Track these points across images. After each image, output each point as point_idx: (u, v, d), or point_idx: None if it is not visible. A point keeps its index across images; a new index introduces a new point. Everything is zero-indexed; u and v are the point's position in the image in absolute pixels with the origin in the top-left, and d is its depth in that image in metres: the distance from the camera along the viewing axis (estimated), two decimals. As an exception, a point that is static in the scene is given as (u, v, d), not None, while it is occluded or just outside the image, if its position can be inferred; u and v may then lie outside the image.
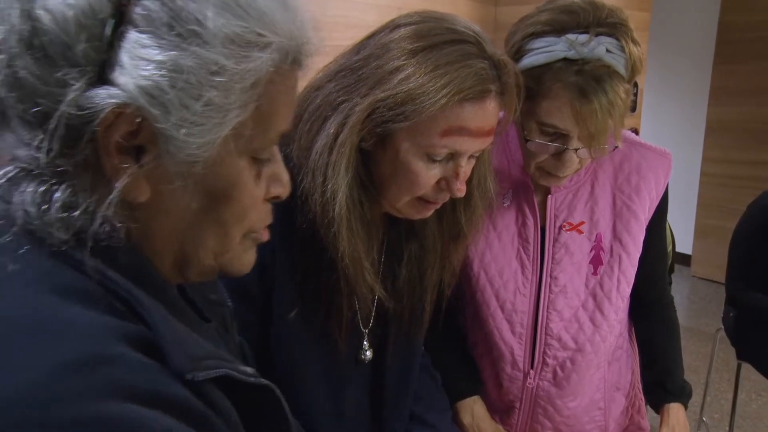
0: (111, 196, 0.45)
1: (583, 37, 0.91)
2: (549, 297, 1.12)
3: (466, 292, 1.16)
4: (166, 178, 0.47)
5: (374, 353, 0.95)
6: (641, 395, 1.29)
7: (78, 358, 0.39)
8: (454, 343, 1.20)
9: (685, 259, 4.89)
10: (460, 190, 0.80)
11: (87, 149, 0.44)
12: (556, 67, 0.92)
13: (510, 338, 1.14)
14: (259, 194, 0.53)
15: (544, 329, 1.13)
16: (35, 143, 0.44)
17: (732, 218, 2.28)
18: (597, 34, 0.91)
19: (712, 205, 4.70)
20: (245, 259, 0.56)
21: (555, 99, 0.93)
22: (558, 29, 0.93)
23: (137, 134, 0.45)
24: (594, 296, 1.12)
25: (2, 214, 0.46)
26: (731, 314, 2.31)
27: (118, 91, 0.43)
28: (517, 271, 1.12)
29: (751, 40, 4.31)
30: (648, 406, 1.24)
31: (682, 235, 4.32)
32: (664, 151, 1.15)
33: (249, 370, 0.51)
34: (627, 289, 1.12)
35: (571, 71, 0.91)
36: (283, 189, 0.55)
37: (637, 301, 1.20)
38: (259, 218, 0.55)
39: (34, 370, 0.38)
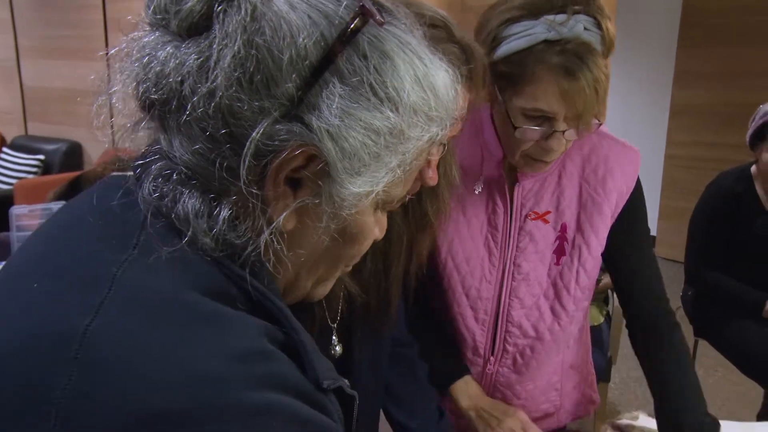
0: (274, 224, 0.49)
1: (561, 17, 0.91)
2: (511, 284, 1.13)
3: (435, 277, 1.17)
4: (315, 215, 0.50)
5: (345, 349, 0.96)
6: (593, 369, 1.32)
7: (244, 350, 0.43)
8: (437, 325, 1.20)
9: (650, 240, 4.97)
10: (433, 178, 0.80)
11: (257, 175, 0.47)
12: (537, 50, 0.92)
13: (473, 325, 1.16)
14: (372, 239, 0.58)
15: (505, 317, 1.15)
16: (211, 157, 0.47)
17: (696, 200, 2.33)
18: (574, 13, 0.91)
19: (677, 187, 4.78)
20: (326, 290, 0.61)
21: (540, 82, 0.92)
22: (534, 12, 0.92)
23: (303, 169, 0.48)
24: (555, 286, 1.13)
25: (155, 204, 0.48)
26: (689, 293, 2.37)
27: (308, 131, 0.46)
28: (484, 258, 1.13)
29: (716, 24, 4.38)
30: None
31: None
32: (632, 147, 1.14)
33: (347, 381, 0.54)
34: (587, 281, 1.12)
35: (553, 52, 0.91)
36: (381, 234, 0.59)
37: (638, 322, 1.15)
38: (358, 258, 0.60)
39: (206, 356, 0.41)
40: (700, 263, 2.28)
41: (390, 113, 0.48)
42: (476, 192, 1.12)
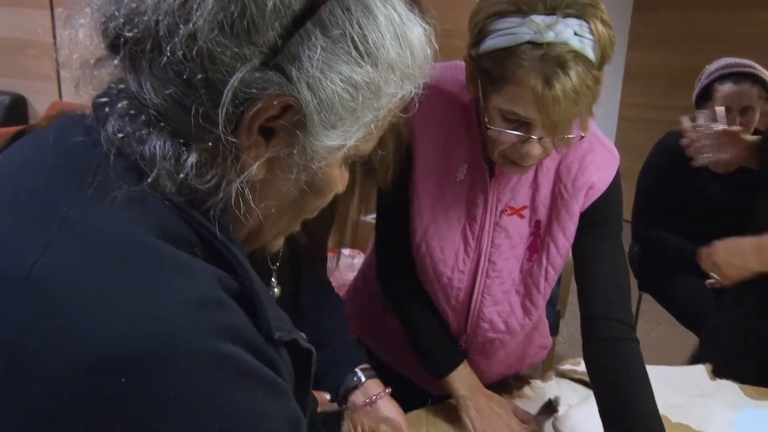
0: (245, 173, 0.48)
1: (549, 19, 0.83)
2: (485, 281, 1.12)
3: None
4: (286, 166, 0.50)
5: (285, 290, 0.97)
6: (546, 318, 1.36)
7: (200, 297, 0.43)
8: (429, 311, 1.19)
9: (602, 201, 5.10)
10: None
11: (232, 123, 0.46)
12: (519, 51, 0.85)
13: (445, 306, 1.17)
14: (337, 190, 0.57)
15: (476, 312, 1.15)
16: (186, 103, 0.45)
17: (649, 161, 2.39)
18: (564, 16, 0.84)
19: (630, 149, 4.84)
20: (281, 242, 0.62)
21: (517, 85, 0.86)
22: (523, 10, 0.85)
23: (278, 119, 0.48)
24: (525, 283, 1.13)
25: (118, 144, 0.47)
26: (635, 249, 2.46)
27: (287, 81, 0.46)
28: (459, 248, 1.11)
29: (670, -13, 4.44)
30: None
31: (600, 177, 4.48)
32: (613, 151, 1.09)
33: (303, 335, 0.54)
34: (554, 277, 1.11)
35: (535, 56, 0.84)
36: (343, 188, 0.59)
37: (592, 328, 1.07)
38: (317, 211, 0.59)
39: (161, 303, 0.41)
40: (646, 221, 2.36)
41: (369, 68, 0.48)
42: (458, 179, 1.08)
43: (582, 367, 1.32)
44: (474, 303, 1.14)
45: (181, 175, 0.47)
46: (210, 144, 0.47)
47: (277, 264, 0.96)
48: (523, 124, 0.91)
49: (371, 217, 3.99)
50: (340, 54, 0.47)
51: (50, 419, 0.39)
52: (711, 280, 2.23)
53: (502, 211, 1.09)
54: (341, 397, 1.08)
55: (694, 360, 2.19)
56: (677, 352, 2.97)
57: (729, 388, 1.30)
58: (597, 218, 1.07)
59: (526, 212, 1.09)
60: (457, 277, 1.12)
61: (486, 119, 0.93)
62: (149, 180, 0.46)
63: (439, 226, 1.10)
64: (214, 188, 0.48)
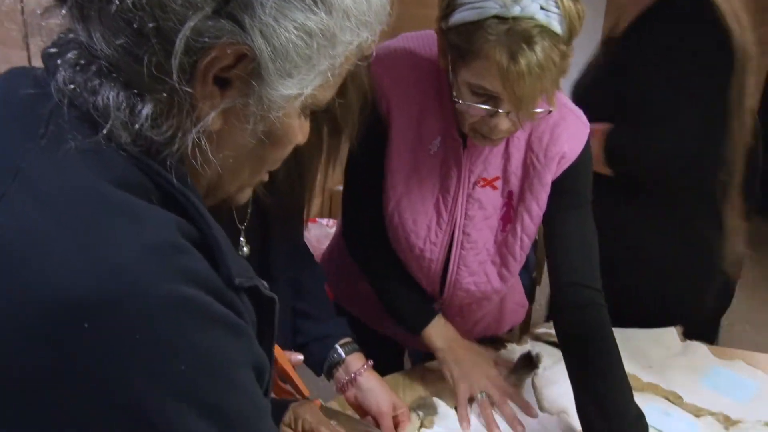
0: (201, 123, 0.47)
1: None
2: (460, 253, 1.13)
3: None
4: (243, 116, 0.50)
5: (255, 250, 0.97)
6: (521, 279, 1.36)
7: (157, 243, 0.42)
8: (401, 274, 1.19)
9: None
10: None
11: (186, 73, 0.46)
12: (485, 25, 0.85)
13: (419, 274, 1.18)
14: (295, 143, 0.57)
15: (452, 282, 1.16)
16: (138, 53, 0.45)
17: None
18: None
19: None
20: (247, 195, 0.61)
21: (484, 59, 0.87)
22: None
23: (233, 69, 0.47)
24: (500, 253, 1.13)
25: (70, 94, 0.46)
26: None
27: (240, 29, 0.45)
28: (432, 220, 1.12)
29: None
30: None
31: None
32: (584, 120, 1.09)
33: (265, 283, 0.54)
34: (529, 244, 1.12)
35: (500, 30, 0.84)
36: (303, 139, 0.58)
37: (561, 295, 1.08)
38: (279, 163, 0.59)
39: (120, 248, 0.41)
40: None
41: (323, 15, 0.48)
42: (432, 151, 1.08)
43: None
44: (450, 274, 1.15)
45: (136, 126, 0.46)
46: (164, 94, 0.46)
47: (245, 224, 0.96)
48: (491, 98, 0.91)
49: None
50: (293, 1, 0.46)
51: (15, 369, 0.39)
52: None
53: (474, 183, 1.09)
54: (326, 372, 1.10)
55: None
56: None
57: (698, 349, 1.33)
58: (567, 187, 1.08)
59: (499, 183, 1.10)
60: (429, 248, 1.13)
61: (455, 93, 0.94)
62: (104, 131, 0.46)
63: (413, 199, 1.11)
64: (170, 139, 0.48)
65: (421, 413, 1.10)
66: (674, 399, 1.17)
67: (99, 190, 0.43)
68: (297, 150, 0.92)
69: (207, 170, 0.52)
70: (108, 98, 0.46)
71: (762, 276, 3.63)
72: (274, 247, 1.01)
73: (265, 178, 0.60)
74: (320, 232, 3.27)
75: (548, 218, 1.10)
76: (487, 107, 0.92)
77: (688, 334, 1.38)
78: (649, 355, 1.27)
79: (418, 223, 1.12)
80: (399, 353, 1.46)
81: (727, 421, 1.11)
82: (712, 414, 1.13)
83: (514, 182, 1.09)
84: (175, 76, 0.45)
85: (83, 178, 0.44)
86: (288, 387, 1.03)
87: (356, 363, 1.08)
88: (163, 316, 0.41)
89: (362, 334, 1.16)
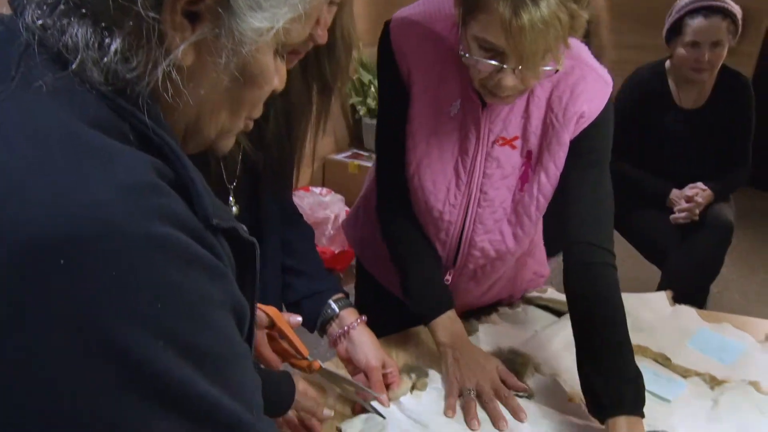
0: (171, 56, 0.47)
1: None
2: (477, 211, 1.13)
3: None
4: (215, 50, 0.49)
5: (245, 209, 0.98)
6: (543, 247, 1.37)
7: (132, 182, 0.42)
8: (422, 248, 1.19)
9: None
10: (322, 36, 0.79)
11: (153, 7, 0.45)
12: None
13: (435, 240, 1.18)
14: (272, 85, 0.56)
15: (468, 241, 1.16)
16: None
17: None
18: None
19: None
20: (231, 142, 0.60)
21: (490, 13, 0.87)
22: None
23: (201, 1, 0.46)
24: (516, 212, 1.13)
25: (39, 34, 0.45)
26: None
27: None
28: (451, 182, 1.12)
29: None
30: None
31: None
32: (606, 77, 1.07)
33: (244, 227, 0.54)
34: (545, 205, 1.11)
35: None
36: (281, 84, 0.58)
37: (573, 253, 1.06)
38: (259, 108, 0.59)
39: (95, 187, 0.40)
40: (614, 156, 2.38)
41: None
42: (452, 114, 1.08)
43: (548, 294, 1.36)
44: (466, 232, 1.15)
45: (106, 60, 0.46)
46: (131, 23, 0.46)
47: (234, 183, 0.96)
48: (497, 54, 0.91)
49: (342, 156, 3.99)
50: None
51: None
52: (675, 215, 2.30)
53: (493, 142, 1.09)
54: (319, 328, 1.11)
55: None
56: (641, 287, 3.07)
57: (687, 312, 1.35)
58: (584, 146, 1.06)
59: (518, 143, 1.09)
60: (448, 210, 1.14)
61: (463, 47, 0.94)
62: (73, 67, 0.45)
63: (432, 160, 1.11)
64: (142, 74, 0.47)
65: (413, 375, 1.11)
66: (663, 361, 1.19)
67: (72, 130, 0.43)
68: (286, 107, 0.93)
69: (182, 108, 0.51)
70: (77, 35, 0.45)
71: (751, 246, 3.67)
72: (263, 207, 1.01)
73: (249, 126, 0.60)
74: (313, 201, 3.27)
75: (564, 176, 1.09)
76: (494, 63, 0.92)
77: (678, 299, 1.40)
78: (640, 318, 1.28)
79: (437, 184, 1.12)
80: (416, 321, 1.46)
81: (714, 381, 1.13)
82: (699, 374, 1.15)
83: (534, 142, 1.08)
84: (140, 3, 0.44)
85: (55, 118, 0.43)
86: (287, 347, 1.04)
87: (350, 317, 1.09)
88: (140, 254, 0.41)
89: (382, 299, 1.15)
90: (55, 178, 0.40)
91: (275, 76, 0.56)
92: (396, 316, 1.25)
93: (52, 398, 0.39)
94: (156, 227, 0.42)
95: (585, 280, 1.04)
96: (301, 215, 1.17)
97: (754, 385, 1.10)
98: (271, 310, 1.01)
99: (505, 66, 0.91)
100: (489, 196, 1.11)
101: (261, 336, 1.01)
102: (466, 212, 1.13)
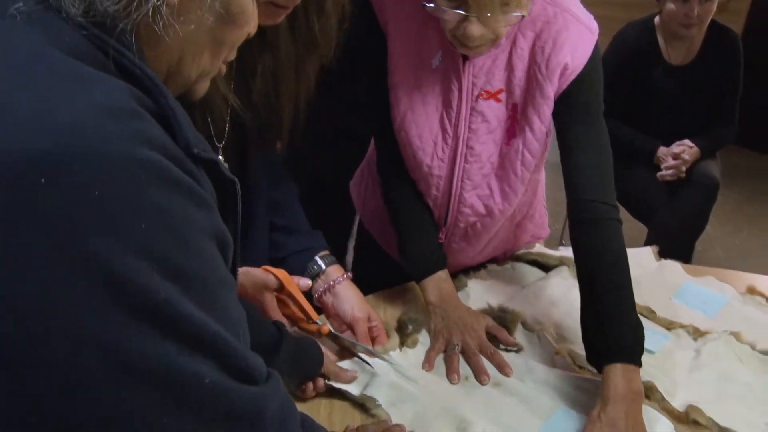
0: None
1: None
2: (464, 167, 1.13)
3: None
4: None
5: (234, 168, 0.97)
6: (545, 210, 1.38)
7: (113, 106, 0.42)
8: (417, 206, 1.19)
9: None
10: None
11: None
12: None
13: (427, 196, 1.18)
14: (250, 27, 0.57)
15: (457, 198, 1.16)
16: None
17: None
18: None
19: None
20: (206, 86, 0.61)
21: None
22: None
23: None
24: (504, 167, 1.12)
25: None
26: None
27: None
28: (437, 136, 1.11)
29: None
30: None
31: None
32: (591, 26, 1.04)
33: (226, 164, 0.54)
34: (532, 161, 1.11)
35: None
36: (254, 28, 0.58)
37: (577, 211, 1.06)
38: (234, 51, 0.59)
39: (75, 110, 0.41)
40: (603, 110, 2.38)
41: None
42: (434, 66, 1.07)
43: (536, 248, 1.38)
44: (454, 189, 1.15)
45: None
46: None
47: (224, 142, 0.96)
48: (462, 3, 0.91)
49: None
50: None
51: None
52: (662, 173, 2.31)
53: (477, 96, 1.08)
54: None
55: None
56: (629, 244, 3.10)
57: (672, 267, 1.37)
58: (574, 100, 1.05)
59: (503, 96, 1.08)
60: (437, 165, 1.14)
61: None
62: None
63: (417, 114, 1.11)
64: (125, 9, 0.47)
65: (410, 327, 1.13)
66: (648, 314, 1.21)
67: (51, 55, 0.43)
68: (274, 64, 0.92)
69: (166, 47, 0.51)
70: None
71: (736, 204, 3.71)
72: (252, 166, 1.01)
73: (223, 70, 0.60)
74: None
75: (560, 133, 1.08)
76: (457, 12, 0.91)
77: (664, 254, 1.42)
78: (625, 273, 1.30)
79: (424, 139, 1.12)
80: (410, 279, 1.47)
81: (697, 333, 1.16)
82: (682, 326, 1.18)
83: (518, 94, 1.07)
84: None
85: (34, 44, 0.43)
86: (297, 311, 1.05)
87: (335, 273, 1.11)
88: (122, 174, 0.41)
89: (380, 259, 1.17)
90: (35, 99, 0.40)
91: (252, 19, 0.56)
92: (393, 277, 1.26)
93: (40, 316, 0.40)
94: (137, 150, 0.42)
95: (591, 235, 1.05)
96: (285, 172, 1.17)
97: (735, 335, 1.13)
98: (281, 273, 1.02)
99: (467, 14, 0.91)
100: (475, 151, 1.11)
101: (270, 299, 1.02)
102: (454, 167, 1.14)
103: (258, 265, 1.05)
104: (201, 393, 0.45)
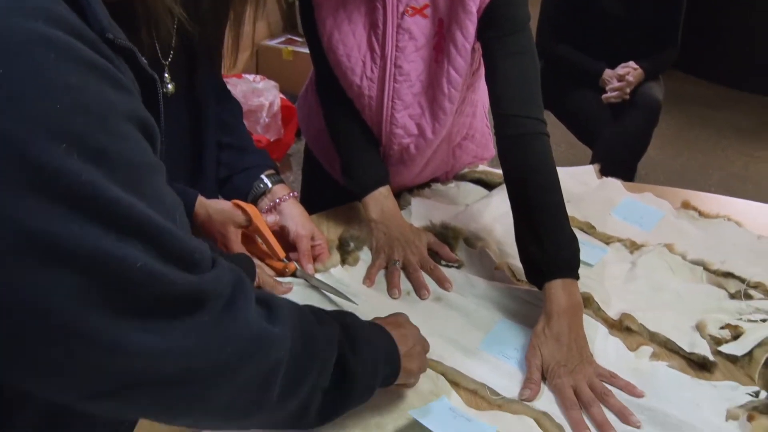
0: None
1: None
2: (394, 86, 1.11)
3: None
4: None
5: (182, 87, 0.94)
6: (487, 128, 1.37)
7: None
8: (356, 124, 1.17)
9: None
10: None
11: None
12: None
13: (364, 117, 1.16)
14: None
15: (389, 119, 1.14)
16: None
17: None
18: None
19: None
20: None
21: None
22: None
23: None
24: (433, 86, 1.11)
25: None
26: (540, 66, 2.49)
27: None
28: (366, 56, 1.09)
29: None
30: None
31: None
32: None
33: (144, 60, 0.50)
34: (458, 79, 1.09)
35: None
36: None
37: (503, 126, 1.03)
38: None
39: None
40: (550, 37, 2.37)
41: None
42: None
43: (480, 167, 1.38)
44: (386, 109, 1.14)
45: None
46: None
47: (170, 59, 0.92)
48: None
49: (276, 42, 3.83)
50: None
51: None
52: (607, 95, 2.33)
53: (403, 12, 1.05)
54: (251, 202, 1.09)
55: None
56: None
57: (613, 184, 1.39)
58: (498, 14, 1.02)
59: (429, 11, 1.06)
60: (367, 84, 1.12)
61: None
62: None
63: (343, 34, 1.08)
64: None
65: (347, 248, 1.12)
66: (587, 229, 1.24)
67: None
68: None
69: None
70: None
71: (677, 129, 3.80)
72: (199, 83, 0.98)
73: None
74: (246, 88, 3.15)
75: (485, 49, 1.05)
76: None
77: (606, 173, 1.44)
78: (568, 190, 1.29)
79: (352, 59, 1.09)
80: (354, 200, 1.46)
81: (633, 246, 1.19)
82: (620, 240, 1.21)
83: (443, 9, 1.05)
84: None
85: None
86: (264, 248, 1.04)
87: (281, 191, 1.09)
88: (27, 51, 0.38)
89: (324, 182, 1.15)
90: None
91: None
92: (339, 199, 1.26)
93: None
94: (43, 27, 0.39)
95: (518, 150, 1.03)
96: (229, 91, 1.13)
97: (669, 247, 1.17)
98: (251, 208, 1.01)
99: None
100: (404, 70, 1.09)
101: (234, 233, 1.00)
102: (384, 87, 1.12)
103: (211, 185, 1.04)
104: (132, 278, 0.43)
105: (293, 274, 1.04)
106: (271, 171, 1.11)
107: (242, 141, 1.12)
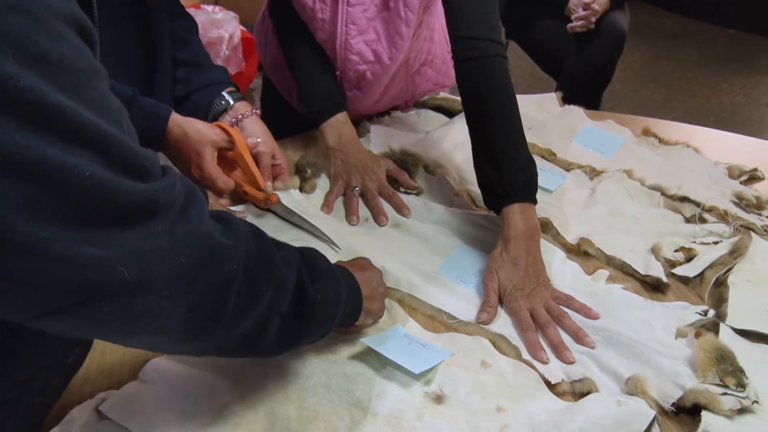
0: None
1: None
2: (347, 10, 1.06)
3: None
4: None
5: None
6: (447, 55, 1.32)
7: None
8: (312, 54, 1.13)
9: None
10: None
11: None
12: None
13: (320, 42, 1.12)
14: None
15: (343, 44, 1.10)
16: None
17: None
18: None
19: None
20: None
21: None
22: None
23: None
24: (388, 8, 1.07)
25: None
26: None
27: None
28: None
29: None
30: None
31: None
32: None
33: None
34: (415, 3, 1.06)
35: None
36: None
37: (460, 49, 0.99)
38: None
39: None
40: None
41: None
42: None
43: (441, 94, 1.35)
44: (340, 34, 1.10)
45: None
46: None
47: None
48: None
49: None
50: None
51: None
52: (572, 24, 2.29)
53: None
54: (211, 121, 1.06)
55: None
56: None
57: (575, 112, 1.38)
58: None
59: None
60: (320, 7, 1.08)
61: None
62: None
63: None
64: None
65: (304, 174, 1.10)
66: (548, 156, 1.23)
67: None
68: None
69: None
70: None
71: (643, 61, 3.79)
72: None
73: None
74: (205, 19, 3.03)
75: None
76: None
77: (568, 101, 1.42)
78: (529, 117, 1.29)
79: None
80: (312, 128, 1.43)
81: (593, 172, 1.19)
82: (580, 167, 1.20)
83: None
84: None
85: None
86: (244, 176, 1.01)
87: (243, 108, 1.06)
88: None
89: (283, 111, 1.13)
90: None
91: None
92: (299, 128, 1.23)
93: None
94: None
95: (475, 73, 0.99)
96: (183, 6, 1.07)
97: (628, 173, 1.17)
98: (235, 133, 0.97)
99: None
100: None
101: (210, 154, 0.97)
102: (337, 10, 1.08)
103: (167, 103, 0.99)
104: (81, 187, 0.41)
105: (273, 209, 1.01)
106: (232, 88, 1.07)
107: (199, 57, 1.07)
